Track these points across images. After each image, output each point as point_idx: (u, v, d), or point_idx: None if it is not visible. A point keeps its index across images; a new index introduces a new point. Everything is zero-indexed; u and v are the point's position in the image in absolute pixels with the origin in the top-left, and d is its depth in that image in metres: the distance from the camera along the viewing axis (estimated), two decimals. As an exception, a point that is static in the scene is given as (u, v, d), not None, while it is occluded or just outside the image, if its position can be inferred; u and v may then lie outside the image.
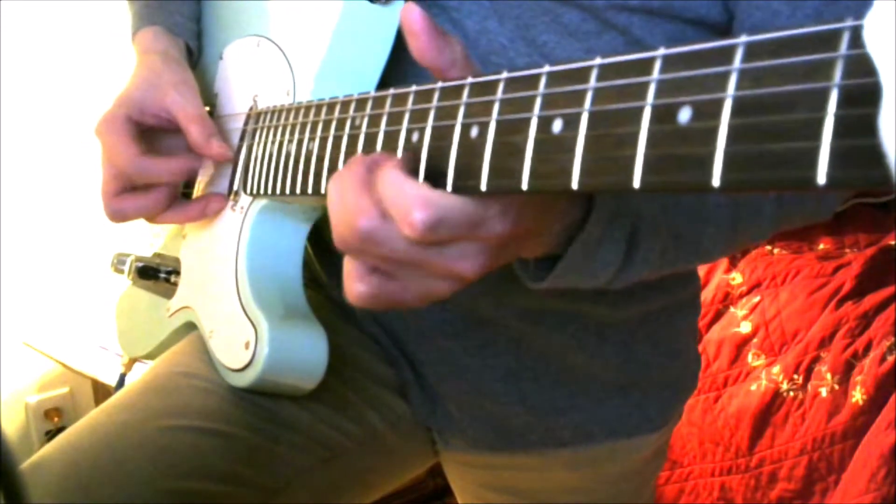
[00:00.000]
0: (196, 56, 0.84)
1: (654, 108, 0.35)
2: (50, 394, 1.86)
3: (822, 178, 0.29)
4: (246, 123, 0.74)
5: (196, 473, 0.67)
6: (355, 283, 0.50)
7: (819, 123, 0.29)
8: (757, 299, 1.78)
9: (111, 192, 0.73)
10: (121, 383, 1.06)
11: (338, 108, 0.58)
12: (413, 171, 0.48)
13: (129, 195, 0.73)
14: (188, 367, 0.75)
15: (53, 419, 1.85)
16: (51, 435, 1.81)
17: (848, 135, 0.28)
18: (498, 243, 0.47)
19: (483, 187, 0.44)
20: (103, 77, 1.74)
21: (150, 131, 0.75)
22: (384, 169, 0.47)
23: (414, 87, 0.50)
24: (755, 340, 1.72)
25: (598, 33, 0.64)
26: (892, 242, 1.86)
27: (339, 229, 0.49)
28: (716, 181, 0.32)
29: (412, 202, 0.44)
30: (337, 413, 0.77)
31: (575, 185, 0.38)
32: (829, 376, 1.55)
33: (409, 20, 0.48)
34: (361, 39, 0.63)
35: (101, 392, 1.84)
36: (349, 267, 0.51)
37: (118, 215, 0.74)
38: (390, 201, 0.46)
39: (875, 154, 0.27)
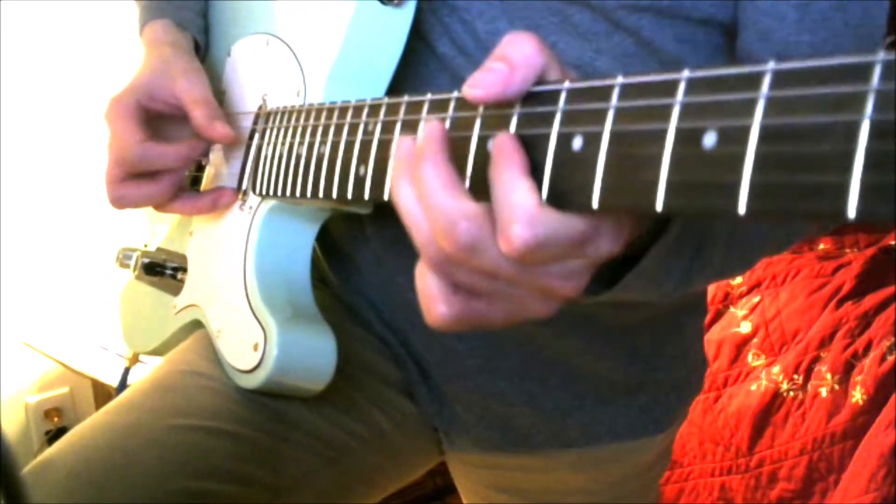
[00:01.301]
0: (202, 52, 0.84)
1: (679, 131, 0.35)
2: (50, 394, 1.86)
3: (851, 212, 0.28)
4: (255, 123, 0.74)
5: (204, 473, 0.67)
6: (438, 305, 0.45)
7: (849, 156, 0.28)
8: (757, 299, 1.79)
9: (115, 177, 0.73)
10: (124, 378, 1.06)
11: (350, 112, 0.58)
12: (528, 166, 0.41)
13: (132, 182, 0.73)
14: (195, 367, 0.75)
15: (53, 419, 1.85)
16: (51, 435, 1.81)
17: (879, 169, 0.28)
18: (603, 260, 0.43)
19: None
20: (103, 77, 1.74)
21: (159, 119, 0.75)
22: (501, 163, 0.41)
23: (429, 96, 0.50)
24: (755, 340, 1.72)
25: (607, 34, 0.64)
26: (892, 242, 1.86)
27: (427, 237, 0.43)
28: (741, 209, 0.32)
29: (519, 215, 0.39)
30: (343, 413, 0.77)
31: (595, 205, 0.38)
32: (829, 376, 1.56)
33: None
34: (373, 41, 0.63)
35: (101, 392, 1.83)
36: (431, 286, 0.45)
37: (121, 201, 0.74)
38: (503, 204, 0.40)
39: None
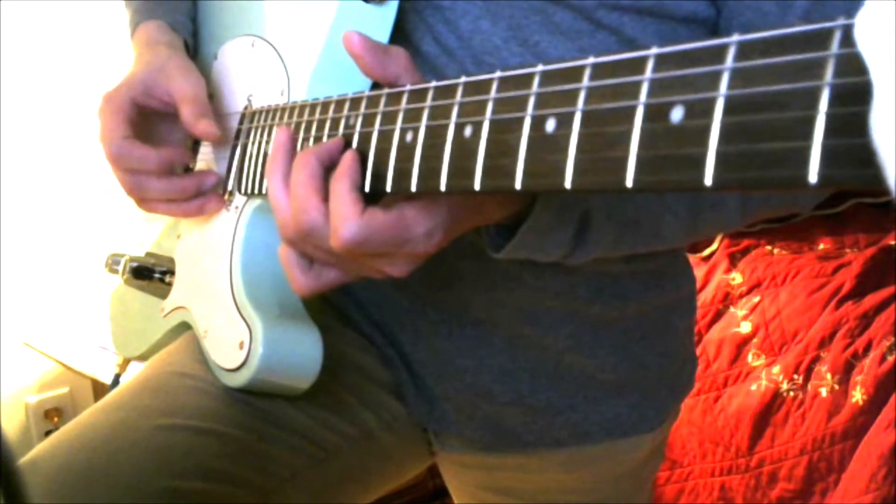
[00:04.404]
0: (192, 55, 0.84)
1: (647, 107, 0.35)
2: (50, 394, 1.86)
3: (813, 177, 0.28)
4: (241, 123, 0.74)
5: (190, 473, 0.67)
6: (298, 275, 0.57)
7: (811, 122, 0.28)
8: (757, 299, 1.78)
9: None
10: (115, 384, 1.06)
11: (332, 107, 0.58)
12: (360, 174, 0.52)
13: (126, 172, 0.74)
14: (183, 367, 0.75)
15: (53, 419, 1.85)
16: (51, 435, 1.81)
17: (839, 133, 0.28)
18: (426, 256, 0.53)
19: (476, 187, 0.44)
20: (103, 77, 1.74)
21: (154, 116, 0.75)
22: (337, 177, 0.52)
23: (408, 87, 0.51)
24: (755, 340, 1.71)
25: (590, 33, 0.65)
26: (892, 242, 1.85)
27: (284, 219, 0.55)
28: (708, 180, 0.32)
29: (343, 220, 0.50)
30: (332, 413, 0.77)
31: (568, 185, 0.38)
32: (829, 376, 1.55)
33: (350, 44, 0.54)
34: None
35: (100, 392, 1.84)
36: (290, 258, 0.57)
37: (137, 191, 0.75)
38: (333, 210, 0.51)
39: (866, 153, 0.27)
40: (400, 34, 0.68)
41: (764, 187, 0.31)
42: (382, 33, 0.66)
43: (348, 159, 0.53)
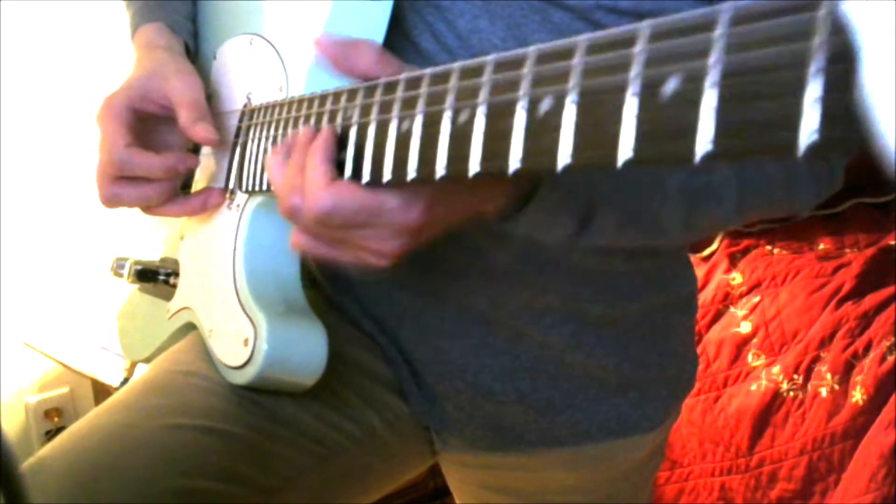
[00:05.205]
0: (192, 56, 0.84)
1: (642, 79, 0.35)
2: (50, 394, 1.86)
3: (805, 140, 0.29)
4: (240, 121, 0.74)
5: (196, 472, 0.67)
6: (296, 234, 0.58)
7: (801, 83, 0.29)
8: (757, 299, 1.78)
9: (107, 175, 0.73)
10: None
11: (329, 100, 0.58)
12: (334, 149, 0.55)
13: (127, 182, 0.73)
14: (188, 366, 0.75)
15: (53, 419, 1.85)
16: (51, 435, 1.81)
17: (830, 94, 0.28)
18: (409, 229, 0.54)
19: (473, 171, 0.44)
20: (103, 77, 1.74)
21: (152, 120, 0.75)
22: (311, 151, 0.55)
23: (404, 75, 0.51)
24: (755, 340, 1.71)
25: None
26: (892, 242, 1.85)
27: (280, 195, 0.57)
28: (706, 146, 0.32)
29: (315, 190, 0.53)
30: (335, 412, 0.77)
31: (566, 162, 0.39)
32: (829, 376, 1.55)
33: (318, 45, 0.57)
34: (352, 34, 0.63)
35: (101, 392, 1.83)
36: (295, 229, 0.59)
37: (112, 200, 0.74)
38: (307, 183, 0.54)
39: (856, 112, 0.27)
40: (399, 31, 0.68)
41: (759, 153, 0.31)
42: (378, 29, 0.66)
43: (323, 134, 0.56)
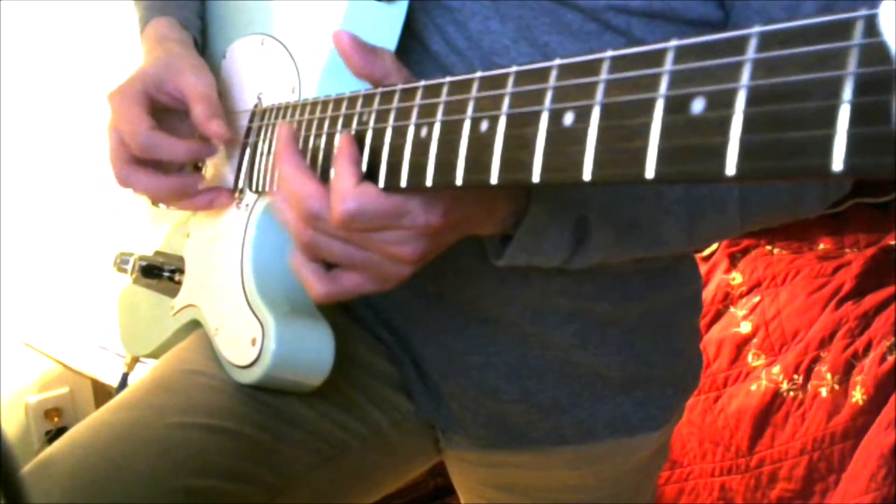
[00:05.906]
0: (200, 53, 0.84)
1: (667, 99, 0.35)
2: (50, 394, 1.86)
3: (837, 165, 0.29)
4: (251, 121, 0.74)
5: (203, 471, 0.67)
6: (316, 286, 0.58)
7: (834, 111, 0.29)
8: (757, 299, 1.78)
9: (122, 157, 0.73)
10: (123, 383, 1.06)
11: (345, 104, 0.58)
12: (357, 153, 0.54)
13: (142, 168, 0.73)
14: (195, 365, 0.75)
15: (53, 419, 1.85)
16: (51, 435, 1.81)
17: (863, 123, 0.28)
18: (430, 231, 0.54)
19: (493, 181, 0.44)
20: (103, 77, 1.74)
21: (162, 112, 0.75)
22: (336, 158, 0.54)
23: (423, 82, 0.51)
24: (755, 340, 1.72)
25: (598, 34, 0.65)
26: (892, 242, 1.86)
27: (291, 204, 0.57)
28: (730, 170, 0.32)
29: (342, 192, 0.52)
30: (341, 411, 0.77)
31: (587, 178, 0.38)
32: (829, 376, 1.55)
33: (340, 42, 0.56)
34: (366, 37, 0.63)
35: (101, 392, 1.83)
36: (305, 273, 0.58)
37: (127, 181, 0.74)
38: (332, 188, 0.54)
39: (891, 141, 0.27)
40: (409, 33, 0.68)
41: (787, 177, 0.31)
42: (392, 31, 0.66)
43: (344, 141, 0.55)
